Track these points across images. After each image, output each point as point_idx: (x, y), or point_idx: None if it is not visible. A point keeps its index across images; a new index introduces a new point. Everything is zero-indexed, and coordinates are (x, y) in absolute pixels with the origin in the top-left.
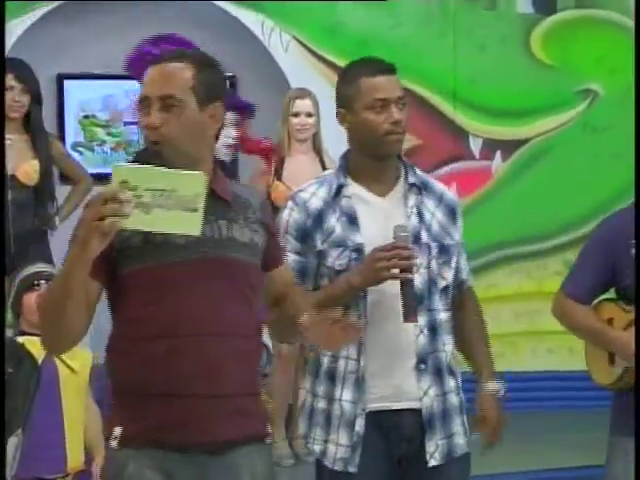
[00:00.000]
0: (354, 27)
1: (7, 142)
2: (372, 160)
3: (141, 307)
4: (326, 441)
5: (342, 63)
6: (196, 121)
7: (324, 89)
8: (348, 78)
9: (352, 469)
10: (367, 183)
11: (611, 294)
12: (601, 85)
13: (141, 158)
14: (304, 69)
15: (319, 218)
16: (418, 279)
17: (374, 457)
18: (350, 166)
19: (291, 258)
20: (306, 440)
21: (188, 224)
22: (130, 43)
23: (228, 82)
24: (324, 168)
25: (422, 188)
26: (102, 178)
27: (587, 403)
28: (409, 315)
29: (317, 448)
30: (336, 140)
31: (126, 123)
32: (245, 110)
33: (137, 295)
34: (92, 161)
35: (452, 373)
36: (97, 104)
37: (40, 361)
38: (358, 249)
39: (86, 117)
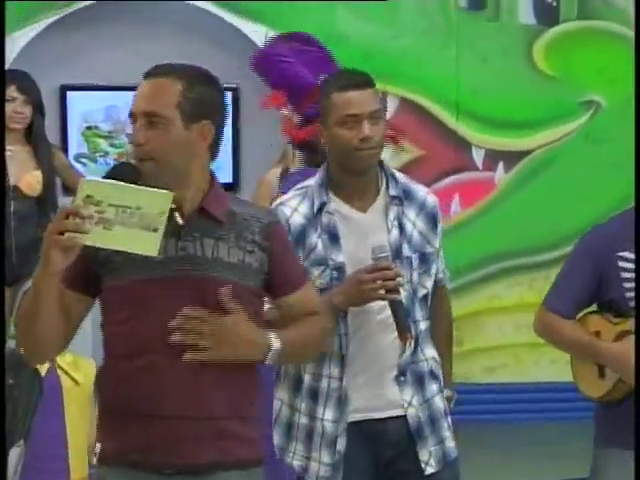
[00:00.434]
0: (356, 37)
1: (8, 153)
2: (349, 175)
3: (120, 323)
4: (308, 458)
5: None
6: (182, 139)
7: None
8: (324, 93)
9: None
10: (348, 198)
11: (593, 307)
12: (603, 96)
13: (114, 173)
14: None
15: (301, 235)
16: (403, 294)
17: (359, 470)
18: (331, 180)
19: None
20: (283, 452)
21: (146, 244)
22: (133, 54)
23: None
24: None
25: (404, 198)
26: None
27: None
28: (403, 332)
29: (297, 464)
30: None
31: (129, 134)
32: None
33: (117, 311)
34: (95, 172)
35: (435, 377)
36: (100, 115)
37: (43, 373)
38: (339, 268)
39: (89, 128)
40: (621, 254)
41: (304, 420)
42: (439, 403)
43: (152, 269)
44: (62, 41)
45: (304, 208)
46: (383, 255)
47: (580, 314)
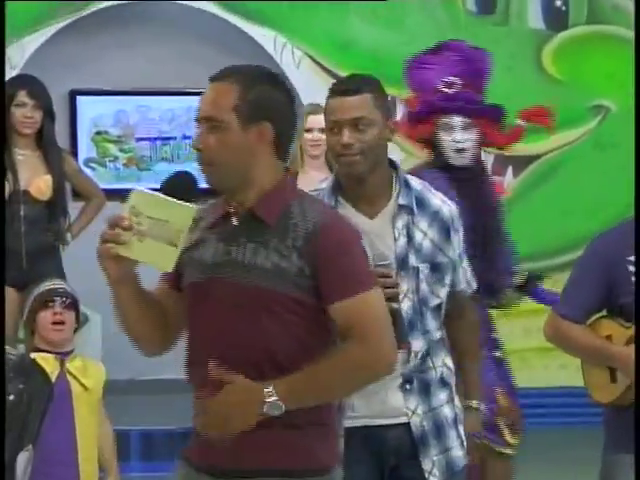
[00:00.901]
0: (366, 43)
1: (19, 158)
2: (348, 180)
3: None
4: None
5: None
6: (238, 142)
7: None
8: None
9: None
10: (356, 203)
11: (604, 312)
12: (612, 101)
13: (168, 181)
14: (316, 85)
15: None
16: (406, 304)
17: (363, 475)
18: (339, 184)
19: None
20: None
21: (165, 259)
22: (142, 59)
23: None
24: None
25: (416, 207)
26: (114, 194)
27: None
28: (400, 341)
29: None
30: None
31: (138, 139)
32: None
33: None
34: (104, 177)
35: (444, 385)
36: (109, 120)
37: (53, 378)
38: None
39: (98, 133)
40: (631, 259)
41: None
42: (447, 412)
43: (201, 273)
44: (72, 46)
45: None
46: (383, 263)
47: (591, 319)
